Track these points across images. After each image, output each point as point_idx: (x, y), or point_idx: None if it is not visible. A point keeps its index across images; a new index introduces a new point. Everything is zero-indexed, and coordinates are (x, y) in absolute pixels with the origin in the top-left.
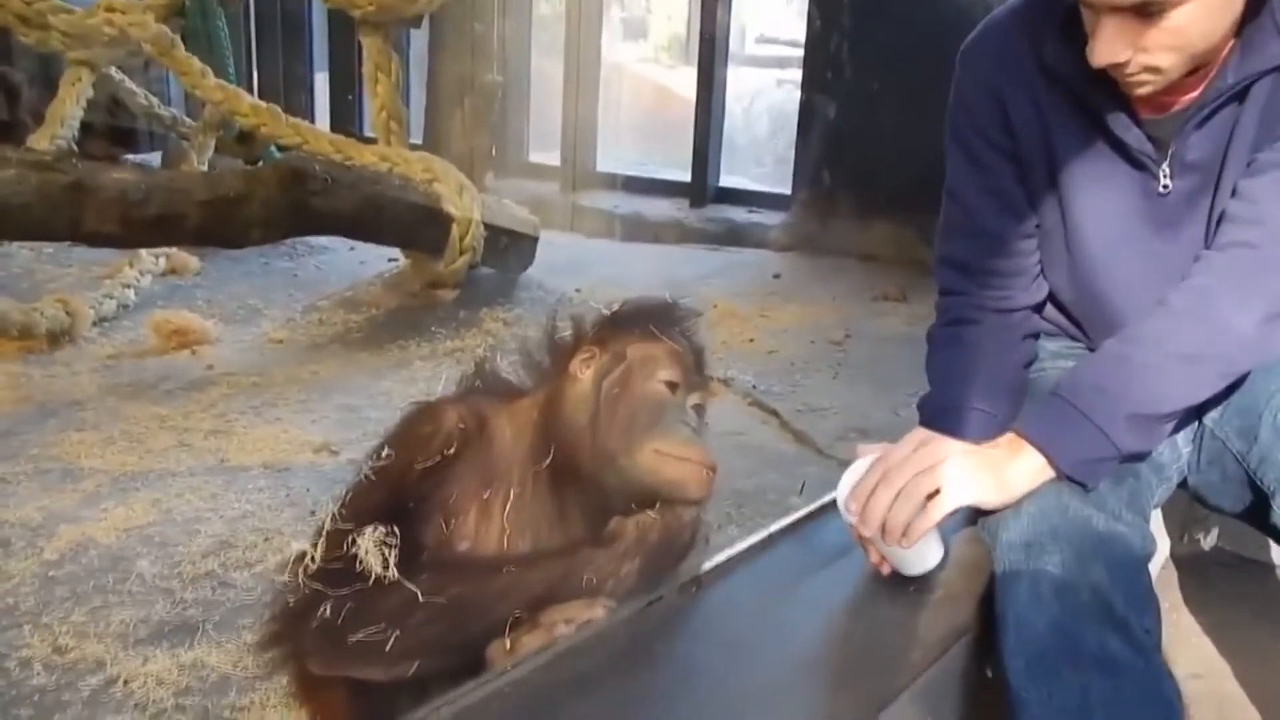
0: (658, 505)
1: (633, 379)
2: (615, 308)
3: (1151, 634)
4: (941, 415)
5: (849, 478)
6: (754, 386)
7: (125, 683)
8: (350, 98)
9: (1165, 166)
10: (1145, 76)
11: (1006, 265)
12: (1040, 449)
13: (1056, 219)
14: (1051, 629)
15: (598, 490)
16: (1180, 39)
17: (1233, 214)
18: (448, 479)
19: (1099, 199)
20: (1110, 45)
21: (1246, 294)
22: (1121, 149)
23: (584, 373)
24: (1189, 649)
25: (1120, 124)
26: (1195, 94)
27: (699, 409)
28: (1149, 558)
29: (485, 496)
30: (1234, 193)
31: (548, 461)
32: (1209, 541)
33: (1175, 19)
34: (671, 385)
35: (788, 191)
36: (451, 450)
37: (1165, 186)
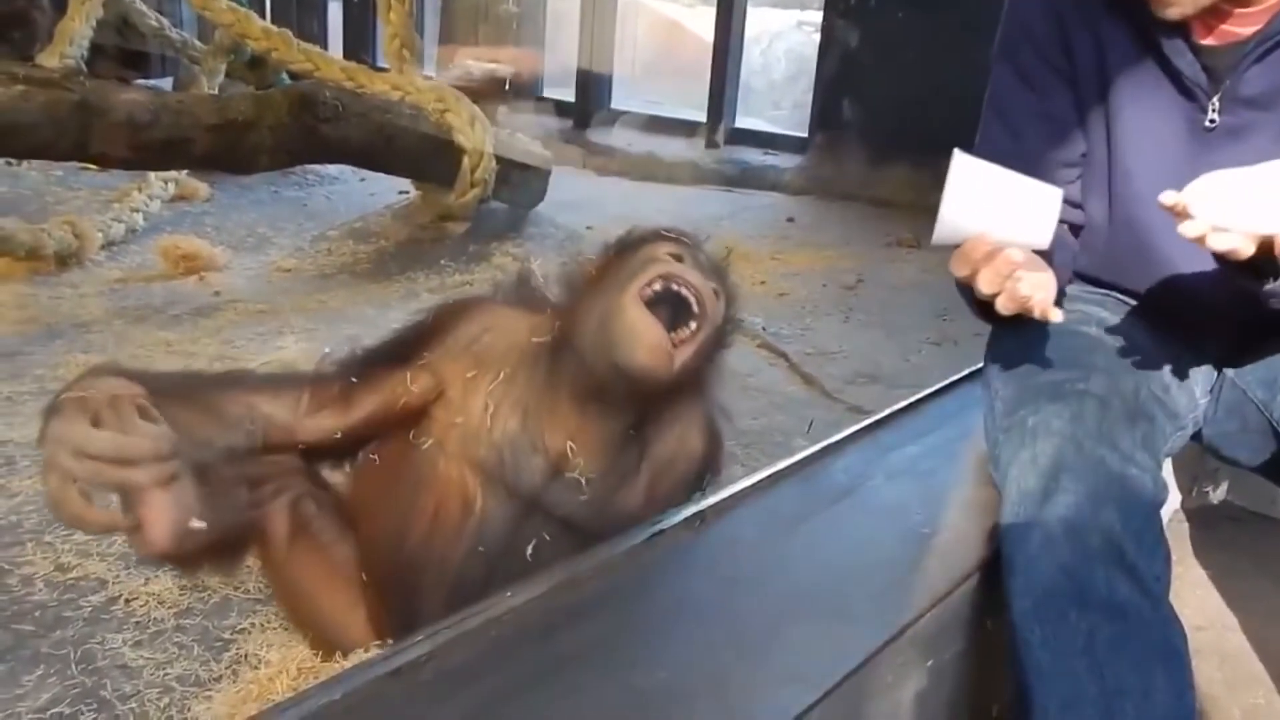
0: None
1: (636, 253)
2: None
3: (1161, 580)
4: None
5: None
6: (764, 329)
7: (127, 601)
8: None
9: (1215, 100)
10: None
11: None
12: None
13: (1102, 146)
14: (1060, 571)
15: (591, 384)
16: None
17: None
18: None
19: (1145, 128)
20: None
21: None
22: (1175, 77)
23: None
24: (1195, 600)
25: (1175, 49)
26: (1260, 26)
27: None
28: (1161, 504)
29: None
30: None
31: (550, 344)
32: (1218, 495)
33: None
34: (676, 257)
35: (804, 135)
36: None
37: (1212, 120)
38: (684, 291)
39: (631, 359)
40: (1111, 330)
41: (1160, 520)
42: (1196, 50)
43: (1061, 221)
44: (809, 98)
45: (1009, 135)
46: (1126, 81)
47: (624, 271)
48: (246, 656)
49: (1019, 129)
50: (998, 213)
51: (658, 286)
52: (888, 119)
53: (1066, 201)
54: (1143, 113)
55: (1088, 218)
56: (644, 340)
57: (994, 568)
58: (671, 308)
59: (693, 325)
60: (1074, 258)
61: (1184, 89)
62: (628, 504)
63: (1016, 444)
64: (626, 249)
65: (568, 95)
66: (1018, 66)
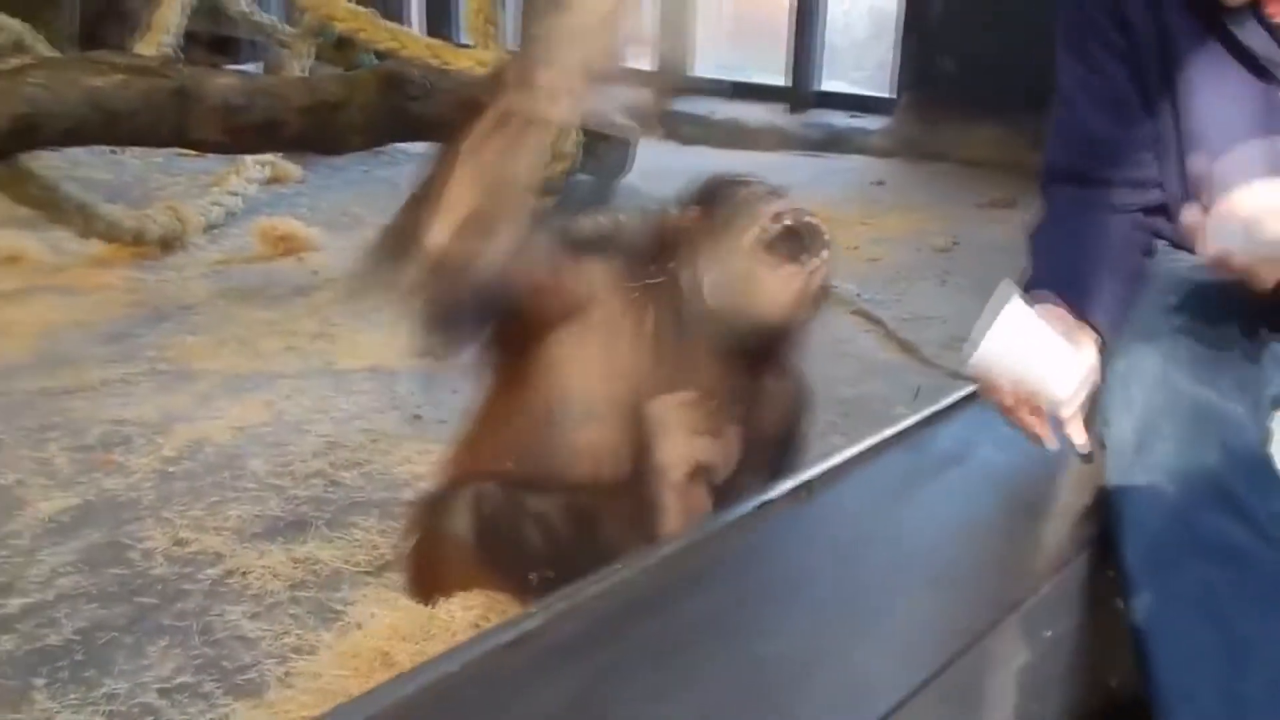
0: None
1: (729, 201)
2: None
3: (1277, 519)
4: (1066, 286)
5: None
6: (857, 295)
7: (243, 574)
8: None
9: None
10: None
11: (1123, 175)
12: None
13: (1170, 126)
14: (1168, 517)
15: (724, 340)
16: None
17: None
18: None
19: (1216, 107)
20: None
21: None
22: (1245, 56)
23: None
24: None
25: (1248, 28)
26: None
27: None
28: (1266, 441)
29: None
30: None
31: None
32: None
33: None
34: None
35: (890, 95)
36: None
37: None
38: (811, 221)
39: (773, 314)
40: (1200, 285)
41: (1270, 456)
42: (1270, 28)
43: (1137, 210)
44: (892, 57)
45: (1076, 122)
46: (1193, 59)
47: (726, 222)
48: (359, 625)
49: (1084, 117)
50: (1028, 366)
51: (789, 221)
52: (975, 76)
53: (1143, 184)
54: (1213, 92)
55: (1168, 194)
56: (781, 294)
57: (1109, 537)
58: (790, 243)
59: (824, 254)
60: (1138, 274)
61: (1257, 68)
62: (752, 437)
63: (1111, 390)
64: (714, 199)
65: (649, 64)
66: (1077, 50)
